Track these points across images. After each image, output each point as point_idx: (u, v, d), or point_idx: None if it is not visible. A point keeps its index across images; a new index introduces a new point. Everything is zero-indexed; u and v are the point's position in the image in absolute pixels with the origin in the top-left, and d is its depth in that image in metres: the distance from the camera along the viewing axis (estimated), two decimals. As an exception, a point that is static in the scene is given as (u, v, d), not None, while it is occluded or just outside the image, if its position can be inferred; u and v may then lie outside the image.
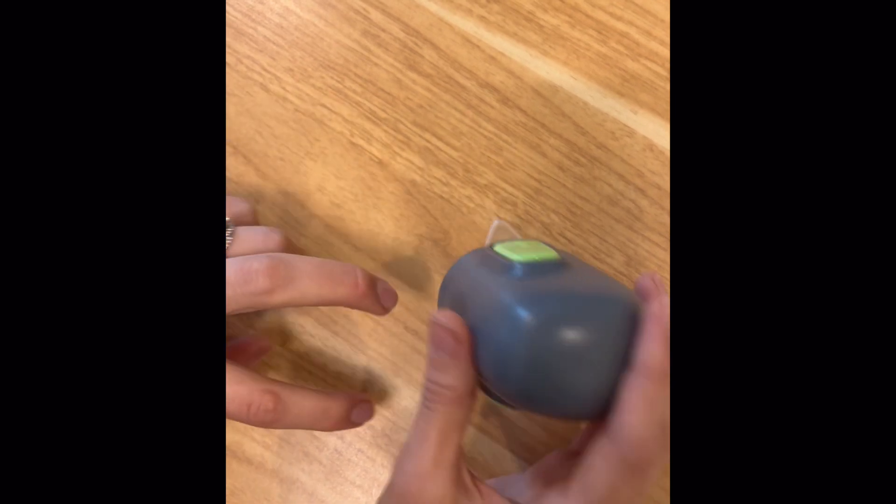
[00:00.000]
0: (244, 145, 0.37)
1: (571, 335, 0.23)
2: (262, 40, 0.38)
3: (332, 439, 0.34)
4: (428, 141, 0.37)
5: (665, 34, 0.38)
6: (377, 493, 0.33)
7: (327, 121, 0.37)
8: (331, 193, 0.36)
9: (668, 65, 0.37)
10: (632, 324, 0.24)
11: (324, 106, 0.37)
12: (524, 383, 0.23)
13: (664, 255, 0.35)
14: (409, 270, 0.35)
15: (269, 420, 0.28)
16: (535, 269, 0.26)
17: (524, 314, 0.23)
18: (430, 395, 0.25)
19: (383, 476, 0.33)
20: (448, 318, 0.25)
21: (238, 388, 0.28)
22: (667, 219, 0.36)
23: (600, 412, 0.24)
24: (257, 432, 0.34)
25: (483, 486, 0.26)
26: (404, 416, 0.34)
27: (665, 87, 0.37)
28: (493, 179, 0.36)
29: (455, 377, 0.25)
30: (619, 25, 0.38)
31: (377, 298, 0.30)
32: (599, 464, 0.23)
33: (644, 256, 0.35)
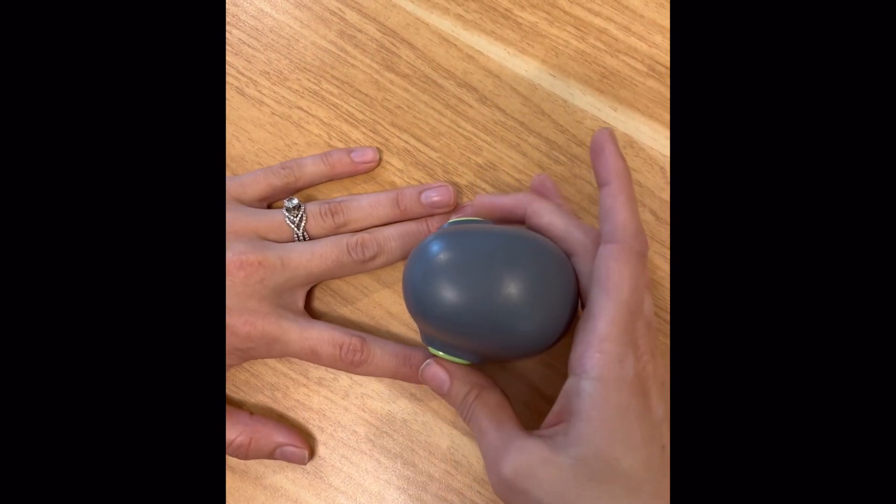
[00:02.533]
0: (221, 150, 0.37)
1: (453, 251, 0.27)
2: (236, 43, 0.38)
3: (315, 446, 0.34)
4: (406, 142, 0.36)
5: (644, 29, 0.37)
6: (362, 499, 0.33)
7: (304, 123, 0.37)
8: (309, 197, 0.36)
9: (647, 60, 0.37)
10: (524, 246, 0.27)
11: (301, 109, 0.37)
12: (432, 301, 0.27)
13: (646, 253, 0.35)
14: (390, 273, 0.35)
15: (358, 361, 0.31)
16: (459, 223, 0.29)
17: (420, 244, 0.28)
18: (459, 411, 0.29)
19: (367, 482, 0.33)
20: (431, 371, 0.29)
21: (331, 332, 0.31)
22: (648, 216, 0.35)
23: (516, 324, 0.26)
24: (240, 440, 0.34)
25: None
26: (388, 421, 0.34)
27: (644, 82, 0.37)
28: (473, 180, 0.36)
29: (460, 391, 0.29)
30: (598, 21, 0.37)
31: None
32: (613, 265, 0.25)
33: (626, 254, 0.35)
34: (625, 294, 0.24)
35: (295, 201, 0.33)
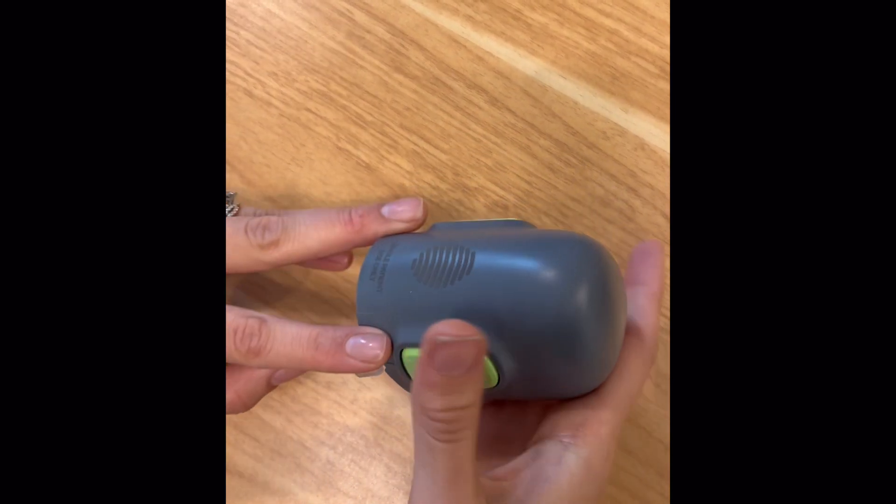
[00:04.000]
0: (228, 152, 0.36)
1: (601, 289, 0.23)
2: (244, 44, 0.37)
3: (324, 450, 0.33)
4: (416, 144, 0.36)
5: (655, 30, 0.37)
6: (370, 503, 0.33)
7: (313, 125, 0.36)
8: (318, 200, 0.36)
9: (658, 62, 0.37)
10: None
11: (309, 110, 0.37)
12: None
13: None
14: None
15: (256, 348, 0.25)
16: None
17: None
18: (446, 425, 0.20)
19: (376, 486, 0.33)
20: (458, 326, 0.20)
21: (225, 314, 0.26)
22: (660, 219, 0.35)
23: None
24: (248, 444, 0.34)
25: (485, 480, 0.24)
26: (397, 426, 0.33)
27: (656, 84, 0.36)
28: (483, 182, 0.36)
29: (475, 392, 0.20)
30: (608, 22, 0.37)
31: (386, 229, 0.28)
32: (633, 367, 0.25)
33: (637, 257, 0.35)
34: (634, 389, 0.25)
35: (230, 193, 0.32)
